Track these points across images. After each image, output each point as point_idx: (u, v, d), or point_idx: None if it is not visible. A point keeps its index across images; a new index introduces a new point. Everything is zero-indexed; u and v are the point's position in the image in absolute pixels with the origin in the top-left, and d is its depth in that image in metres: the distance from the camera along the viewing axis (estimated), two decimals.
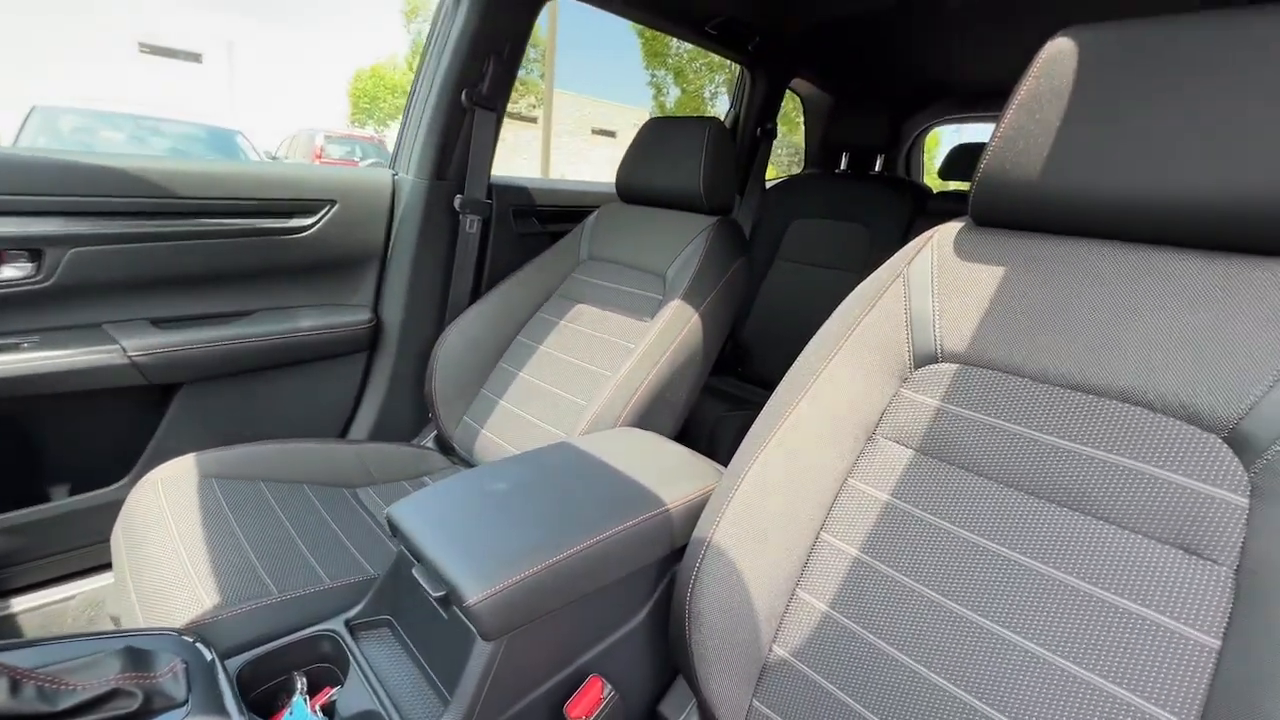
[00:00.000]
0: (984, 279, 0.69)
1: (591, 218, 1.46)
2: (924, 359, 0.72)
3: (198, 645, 0.60)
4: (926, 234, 0.76)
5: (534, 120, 16.54)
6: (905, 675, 0.60)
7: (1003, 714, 0.54)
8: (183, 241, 1.12)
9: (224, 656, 0.68)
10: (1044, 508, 0.59)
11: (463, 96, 1.30)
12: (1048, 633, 0.54)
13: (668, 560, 0.76)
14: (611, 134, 20.87)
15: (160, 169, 1.09)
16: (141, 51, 15.59)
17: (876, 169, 2.14)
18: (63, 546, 1.10)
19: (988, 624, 0.57)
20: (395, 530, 0.69)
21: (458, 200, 1.38)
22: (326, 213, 1.27)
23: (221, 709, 0.53)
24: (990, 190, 0.68)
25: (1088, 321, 0.61)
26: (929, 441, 0.69)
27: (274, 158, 8.97)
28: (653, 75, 13.94)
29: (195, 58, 16.34)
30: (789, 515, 0.70)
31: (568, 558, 0.64)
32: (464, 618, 0.61)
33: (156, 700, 0.50)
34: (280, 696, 0.70)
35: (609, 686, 0.68)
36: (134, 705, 0.48)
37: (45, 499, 1.10)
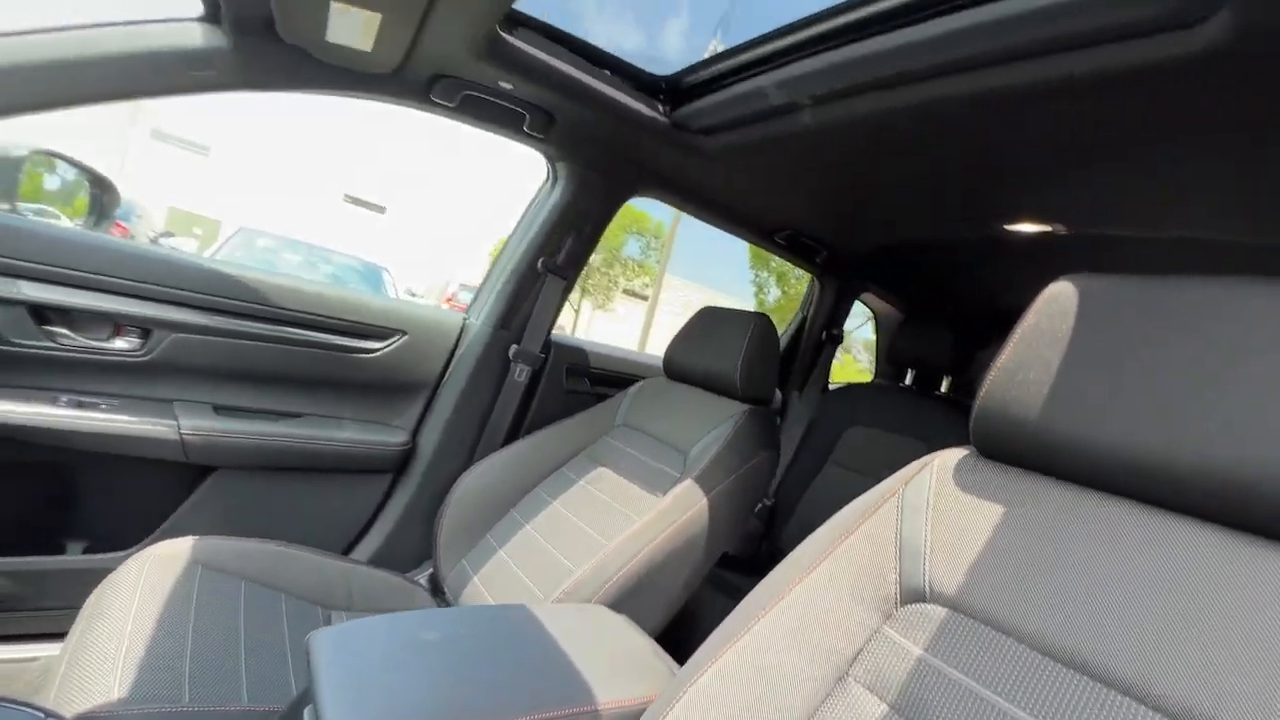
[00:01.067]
0: (982, 516, 0.63)
1: (634, 387, 1.50)
2: (911, 595, 0.64)
3: None
4: (928, 457, 0.71)
5: (645, 298, 17.98)
6: None
7: None
8: (264, 343, 1.27)
9: None
10: None
11: (539, 263, 1.46)
12: None
13: None
14: None
15: (265, 280, 1.27)
16: (344, 200, 19.22)
17: (943, 389, 2.09)
18: (52, 604, 1.13)
19: None
20: (308, 659, 0.66)
21: (512, 350, 1.48)
22: (395, 341, 1.41)
23: None
24: (988, 420, 0.64)
25: (1095, 593, 0.52)
26: (907, 700, 0.58)
27: (412, 294, 10.25)
28: (756, 275, 15.02)
29: (380, 210, 19.80)
30: None
31: None
32: None
33: None
34: None
35: None
36: None
37: (59, 551, 1.15)
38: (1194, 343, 0.51)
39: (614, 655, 0.76)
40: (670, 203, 1.57)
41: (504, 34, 1.00)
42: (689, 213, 1.65)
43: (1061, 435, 0.57)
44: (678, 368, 1.45)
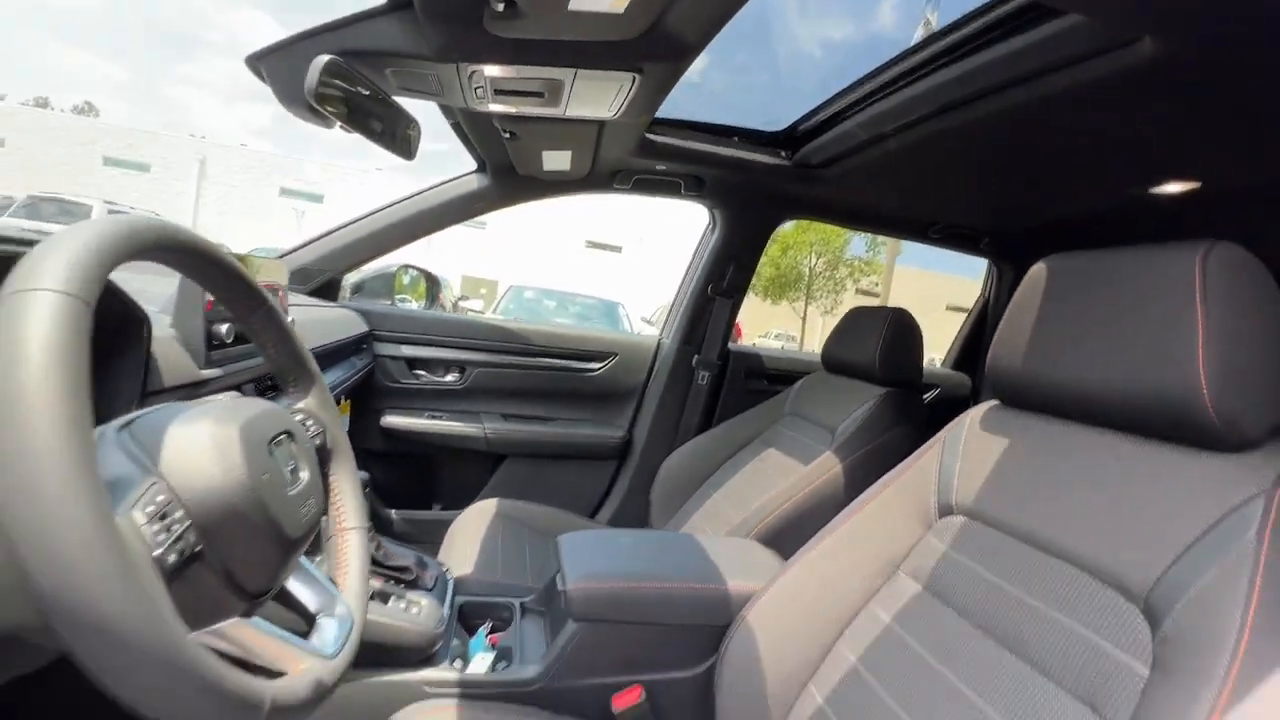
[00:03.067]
0: (996, 448, 0.83)
1: (800, 382, 1.77)
2: (944, 510, 0.86)
3: (446, 574, 1.10)
4: (971, 409, 0.91)
5: (877, 295, 17.03)
6: None
7: None
8: (528, 370, 1.86)
9: (459, 593, 1.18)
10: (1003, 656, 0.67)
11: (709, 289, 1.84)
12: None
13: (726, 630, 0.99)
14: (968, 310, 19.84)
15: (523, 327, 1.87)
16: (587, 246, 22.05)
17: None
18: (425, 539, 1.83)
19: None
20: (557, 549, 1.11)
21: (695, 359, 1.88)
22: (610, 362, 1.91)
23: (440, 605, 1.01)
24: (995, 375, 0.83)
25: (1062, 495, 0.71)
26: (934, 582, 0.81)
27: (648, 321, 11.38)
28: None
29: (617, 250, 22.19)
30: (807, 620, 0.89)
31: (639, 587, 0.96)
32: (563, 602, 0.98)
33: (421, 581, 1.00)
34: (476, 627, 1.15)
35: (645, 695, 0.94)
36: (410, 577, 0.99)
37: (429, 507, 1.87)
38: (1107, 301, 0.68)
39: (746, 565, 1.08)
40: (816, 220, 1.82)
41: (650, 135, 1.42)
42: (838, 225, 1.87)
43: (1035, 380, 0.76)
44: (832, 361, 1.69)
